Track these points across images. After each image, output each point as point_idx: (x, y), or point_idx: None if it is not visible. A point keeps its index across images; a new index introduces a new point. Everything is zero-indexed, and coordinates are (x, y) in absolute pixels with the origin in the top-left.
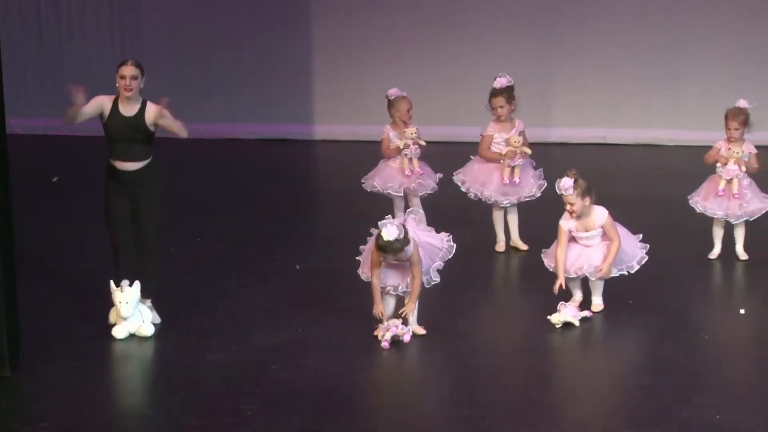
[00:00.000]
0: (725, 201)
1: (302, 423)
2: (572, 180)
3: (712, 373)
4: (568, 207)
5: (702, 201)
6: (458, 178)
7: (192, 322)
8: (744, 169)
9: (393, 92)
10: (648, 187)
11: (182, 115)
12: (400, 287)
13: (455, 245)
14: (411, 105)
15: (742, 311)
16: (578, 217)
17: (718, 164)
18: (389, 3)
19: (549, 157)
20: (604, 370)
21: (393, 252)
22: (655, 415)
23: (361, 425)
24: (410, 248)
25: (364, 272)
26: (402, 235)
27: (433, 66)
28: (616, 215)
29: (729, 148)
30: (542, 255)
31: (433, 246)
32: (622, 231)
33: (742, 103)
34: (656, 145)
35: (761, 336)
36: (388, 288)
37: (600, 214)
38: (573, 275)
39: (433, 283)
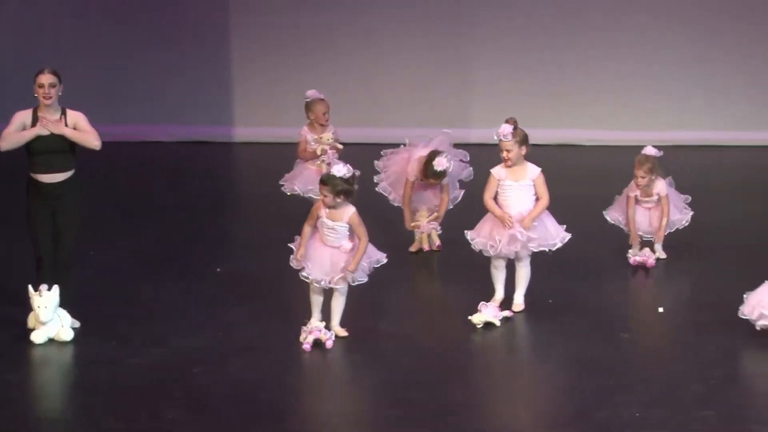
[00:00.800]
0: (645, 217)
1: (225, 426)
2: (511, 126)
3: (632, 371)
4: (504, 154)
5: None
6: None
7: (112, 326)
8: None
9: (311, 94)
10: (568, 187)
11: (100, 118)
12: (323, 282)
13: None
14: (328, 108)
15: (660, 310)
16: (511, 167)
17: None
18: (308, 4)
19: (469, 158)
20: (525, 370)
21: (332, 187)
22: (575, 415)
23: (284, 428)
24: (351, 210)
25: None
26: (348, 178)
27: (351, 67)
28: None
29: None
30: (468, 237)
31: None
32: (547, 213)
33: (649, 151)
34: (575, 145)
35: (680, 334)
36: (312, 280)
37: (533, 169)
38: (502, 254)
39: (358, 282)
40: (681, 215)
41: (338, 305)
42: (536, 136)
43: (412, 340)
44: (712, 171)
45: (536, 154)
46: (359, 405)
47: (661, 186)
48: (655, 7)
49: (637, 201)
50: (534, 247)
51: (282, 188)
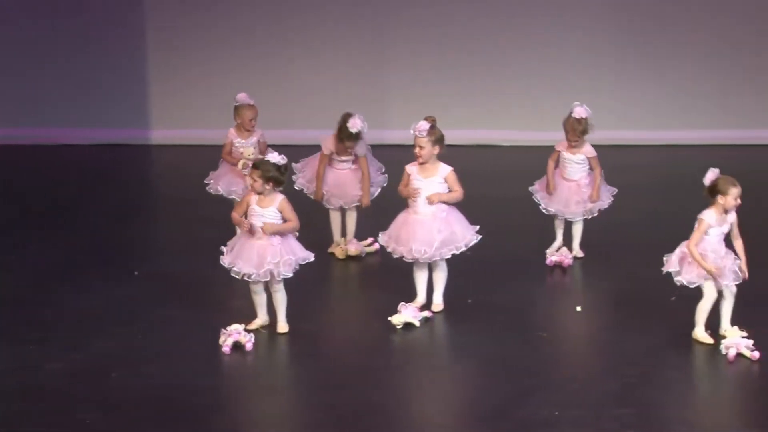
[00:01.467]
0: (563, 198)
1: (142, 430)
2: (429, 124)
3: (550, 370)
4: (417, 150)
5: (543, 195)
6: None
7: (29, 331)
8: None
9: (240, 98)
10: (484, 187)
11: (15, 121)
12: (253, 276)
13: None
14: (255, 114)
15: (578, 309)
16: (422, 164)
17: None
18: (225, 4)
19: (385, 158)
20: (444, 370)
21: (263, 172)
22: (494, 414)
23: (203, 431)
24: (280, 196)
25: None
26: (280, 166)
27: (270, 68)
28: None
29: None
30: (380, 237)
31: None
32: (458, 214)
33: (577, 112)
34: (491, 146)
35: (597, 333)
36: (243, 276)
37: (444, 167)
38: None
39: (283, 276)
40: (601, 200)
41: (279, 301)
42: (454, 137)
43: (331, 341)
44: (625, 170)
45: (454, 154)
46: (278, 407)
47: (589, 148)
48: (566, 8)
49: (560, 169)
50: (446, 253)
51: (207, 188)
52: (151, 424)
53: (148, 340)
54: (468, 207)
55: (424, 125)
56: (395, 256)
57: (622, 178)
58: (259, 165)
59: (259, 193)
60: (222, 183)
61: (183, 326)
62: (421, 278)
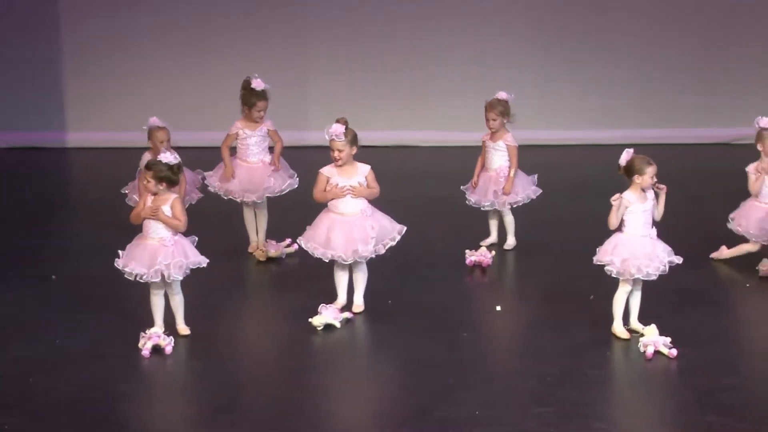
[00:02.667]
0: (482, 188)
1: None
2: (343, 126)
3: (471, 370)
4: (336, 154)
5: (468, 187)
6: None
7: None
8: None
9: (151, 123)
10: (404, 188)
11: None
12: (144, 276)
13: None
14: (167, 136)
15: (498, 308)
16: (341, 166)
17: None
18: (141, 6)
19: (305, 160)
20: (366, 371)
21: (155, 173)
22: (415, 414)
23: None
24: (173, 196)
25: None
26: (173, 166)
27: (186, 70)
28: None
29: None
30: (299, 241)
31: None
32: (379, 211)
33: (500, 95)
34: (410, 147)
35: (517, 332)
36: (136, 276)
37: (363, 167)
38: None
39: (174, 279)
40: (525, 192)
41: (177, 304)
42: (373, 138)
43: (251, 343)
44: (546, 169)
45: (372, 155)
46: (198, 410)
47: (509, 137)
48: (487, 10)
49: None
50: (380, 249)
51: (126, 200)
52: (70, 430)
53: (66, 344)
54: (387, 209)
55: (340, 128)
56: (325, 259)
57: (542, 177)
58: (151, 166)
59: (153, 194)
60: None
61: (101, 330)
62: (341, 279)
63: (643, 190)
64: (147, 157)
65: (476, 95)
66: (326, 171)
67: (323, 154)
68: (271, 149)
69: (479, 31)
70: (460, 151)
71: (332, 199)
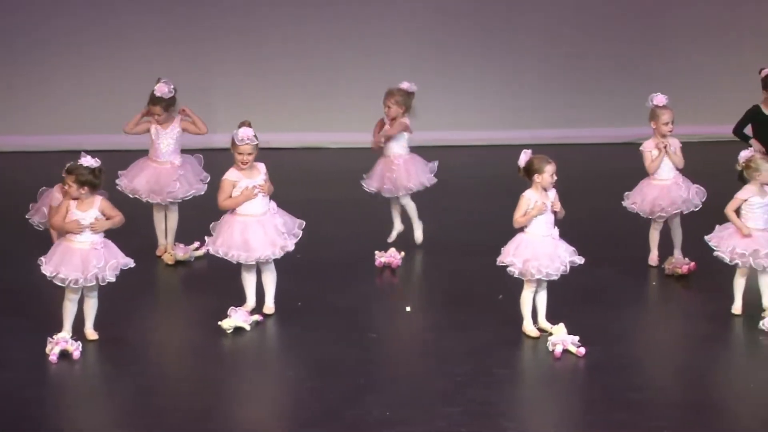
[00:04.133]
0: (378, 174)
1: None
2: (252, 130)
3: (381, 371)
4: (246, 157)
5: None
6: None
7: None
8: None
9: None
10: (312, 190)
11: None
12: (81, 281)
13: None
14: None
15: (408, 309)
16: (245, 168)
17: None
18: (47, 9)
19: (211, 163)
20: (276, 373)
21: (76, 177)
22: (325, 416)
23: None
24: (99, 198)
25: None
26: (94, 169)
27: (87, 73)
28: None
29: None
30: (208, 246)
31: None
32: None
33: (402, 85)
34: (319, 148)
35: (427, 333)
36: (68, 281)
37: (261, 165)
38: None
39: (108, 281)
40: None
41: (90, 307)
42: (280, 140)
43: (161, 347)
44: (448, 171)
45: (280, 157)
46: (107, 415)
47: (405, 121)
48: (387, 10)
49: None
50: (289, 246)
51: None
52: None
53: None
54: (297, 211)
55: (251, 132)
56: (234, 261)
57: (449, 178)
58: (72, 170)
59: (75, 199)
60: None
61: (8, 335)
62: (250, 282)
63: (544, 189)
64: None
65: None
66: (232, 176)
67: (231, 157)
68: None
69: (384, 34)
70: (366, 152)
71: (243, 202)
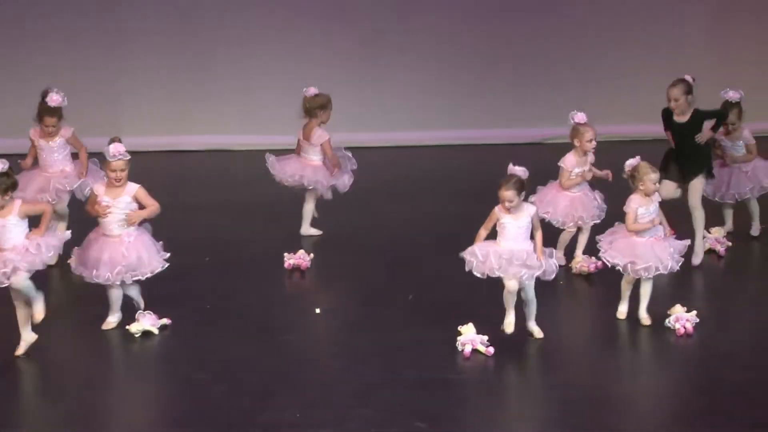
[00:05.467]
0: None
1: None
2: (124, 147)
3: (291, 373)
4: (118, 174)
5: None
6: None
7: None
8: None
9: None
10: (224, 192)
11: None
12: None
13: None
14: None
15: (317, 310)
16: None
17: None
18: None
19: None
20: (186, 377)
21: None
22: (239, 419)
23: None
24: (17, 202)
25: None
26: (7, 171)
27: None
28: (194, 222)
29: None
30: (72, 261)
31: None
32: (148, 239)
33: (309, 91)
34: (227, 151)
35: (337, 334)
36: None
37: (132, 185)
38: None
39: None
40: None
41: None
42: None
43: (69, 350)
44: (358, 172)
45: (190, 159)
46: (11, 415)
47: (320, 132)
48: (295, 16)
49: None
50: (128, 278)
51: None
52: None
53: None
54: (207, 214)
55: (122, 147)
56: (92, 281)
57: (358, 179)
58: None
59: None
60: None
61: None
62: (112, 295)
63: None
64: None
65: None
66: (98, 188)
67: (139, 159)
68: (75, 156)
69: (289, 38)
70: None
71: (95, 216)
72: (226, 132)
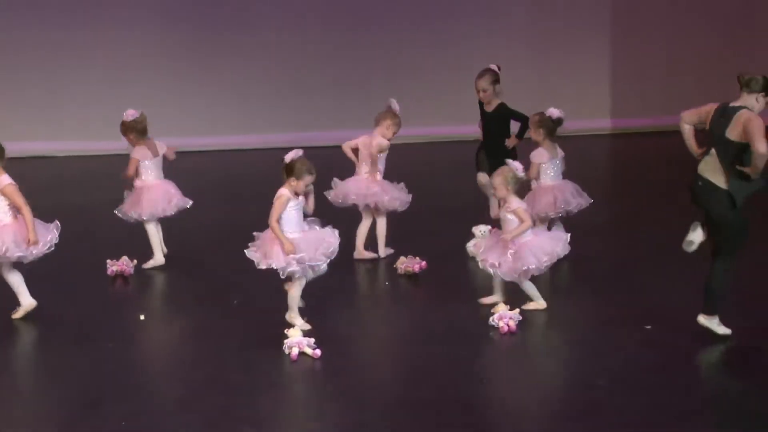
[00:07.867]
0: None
1: None
2: None
3: (115, 380)
4: None
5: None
6: None
7: None
8: None
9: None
10: (44, 197)
11: None
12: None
13: None
14: None
15: (142, 317)
16: None
17: None
18: None
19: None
20: (8, 385)
21: None
22: (59, 427)
23: None
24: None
25: None
26: None
27: None
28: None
29: None
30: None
31: None
32: (40, 227)
33: (127, 114)
34: (47, 157)
35: (164, 340)
36: None
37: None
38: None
39: None
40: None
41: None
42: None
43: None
44: (185, 175)
45: (15, 167)
46: None
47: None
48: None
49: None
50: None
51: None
52: None
53: None
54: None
55: None
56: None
57: (185, 184)
58: None
59: None
60: None
61: None
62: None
63: (297, 194)
64: None
65: (110, 106)
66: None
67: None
68: None
69: (120, 35)
70: (98, 159)
71: None
72: (42, 138)
